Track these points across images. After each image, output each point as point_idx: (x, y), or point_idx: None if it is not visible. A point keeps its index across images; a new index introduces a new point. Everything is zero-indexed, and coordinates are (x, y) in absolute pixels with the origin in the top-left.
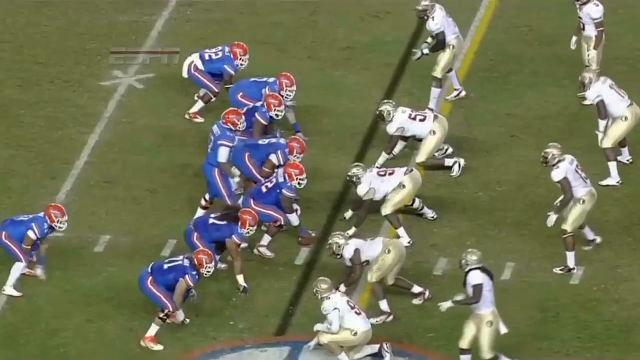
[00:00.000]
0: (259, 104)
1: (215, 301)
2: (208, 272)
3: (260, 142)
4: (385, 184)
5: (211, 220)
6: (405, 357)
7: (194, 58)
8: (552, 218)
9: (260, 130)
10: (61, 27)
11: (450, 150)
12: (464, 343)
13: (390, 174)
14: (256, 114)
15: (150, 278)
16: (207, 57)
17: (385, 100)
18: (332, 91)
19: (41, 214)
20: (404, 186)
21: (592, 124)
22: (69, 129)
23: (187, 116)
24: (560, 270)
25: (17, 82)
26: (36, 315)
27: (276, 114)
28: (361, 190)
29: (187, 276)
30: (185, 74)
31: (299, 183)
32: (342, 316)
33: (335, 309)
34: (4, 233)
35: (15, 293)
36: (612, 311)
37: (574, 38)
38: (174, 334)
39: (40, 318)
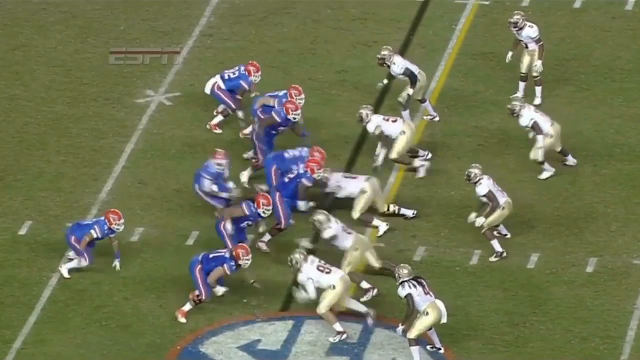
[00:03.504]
0: (278, 108)
1: (230, 282)
2: (245, 263)
3: (286, 155)
4: (350, 185)
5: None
6: (388, 329)
7: (217, 79)
8: (474, 218)
9: (267, 124)
10: (103, 54)
11: (429, 155)
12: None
13: (353, 178)
14: (273, 112)
15: (200, 266)
16: (226, 77)
17: (364, 106)
18: (328, 107)
19: (102, 218)
20: (364, 192)
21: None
22: (109, 139)
23: (207, 126)
24: (495, 258)
25: (66, 99)
26: (82, 294)
27: (293, 117)
28: (329, 185)
29: (225, 265)
30: (207, 91)
31: (317, 176)
32: (317, 281)
33: (309, 279)
34: (73, 237)
35: (66, 274)
36: (562, 291)
37: (510, 53)
38: (198, 309)
39: (85, 296)
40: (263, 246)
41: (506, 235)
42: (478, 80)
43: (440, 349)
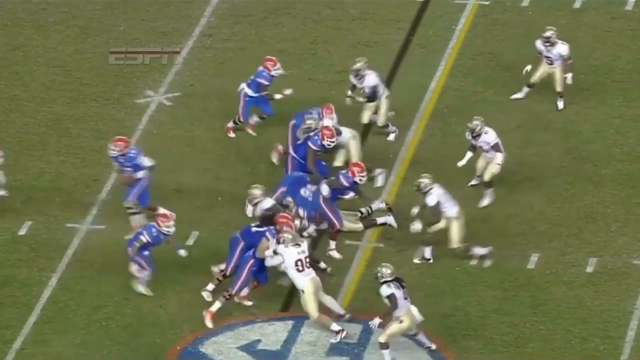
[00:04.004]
0: (312, 133)
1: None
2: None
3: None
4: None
5: (254, 229)
6: None
7: (244, 86)
8: (417, 226)
9: (312, 156)
10: (103, 54)
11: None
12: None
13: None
14: (309, 142)
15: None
16: (249, 80)
17: (310, 116)
18: None
19: (152, 223)
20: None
21: (547, 136)
22: (109, 139)
23: (229, 124)
24: (419, 260)
25: (66, 100)
26: (82, 294)
27: (328, 144)
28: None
29: (267, 233)
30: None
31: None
32: (286, 269)
33: (281, 254)
34: (128, 248)
35: (145, 292)
36: (562, 291)
37: (529, 66)
38: (200, 310)
39: (85, 296)
40: (335, 254)
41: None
42: (478, 80)
43: (431, 347)
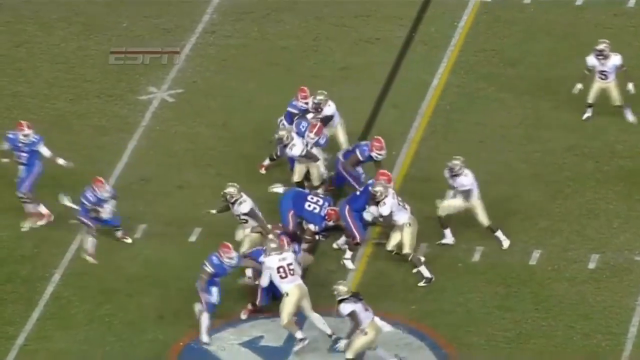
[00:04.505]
0: (363, 142)
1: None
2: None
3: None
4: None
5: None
6: (391, 326)
7: (283, 116)
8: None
9: (353, 162)
10: (106, 51)
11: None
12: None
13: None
14: (357, 150)
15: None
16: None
17: (282, 127)
18: None
19: (215, 253)
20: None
21: (549, 132)
22: (112, 135)
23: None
24: (424, 284)
25: (69, 96)
26: (85, 291)
27: (376, 155)
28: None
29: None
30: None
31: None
32: (277, 284)
33: (268, 268)
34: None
35: (204, 329)
36: (564, 287)
37: (580, 85)
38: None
39: (88, 293)
40: (350, 264)
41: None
42: (480, 77)
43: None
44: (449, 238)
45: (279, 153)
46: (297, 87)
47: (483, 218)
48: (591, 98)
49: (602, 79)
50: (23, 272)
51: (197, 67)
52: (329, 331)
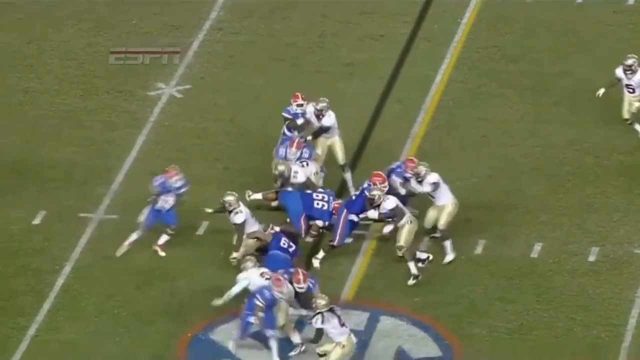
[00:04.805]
0: (395, 164)
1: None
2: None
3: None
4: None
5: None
6: (395, 317)
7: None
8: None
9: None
10: (115, 47)
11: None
12: None
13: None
14: (392, 174)
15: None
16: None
17: (280, 162)
18: (336, 99)
19: (267, 285)
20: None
21: (550, 127)
22: (121, 130)
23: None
24: (412, 280)
25: (79, 92)
26: (94, 283)
27: (412, 175)
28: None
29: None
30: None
31: (381, 190)
32: (254, 285)
33: (244, 278)
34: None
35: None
36: (565, 279)
37: (603, 90)
38: (209, 299)
39: (98, 285)
40: (316, 263)
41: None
42: (482, 73)
43: None
44: (449, 254)
45: (283, 186)
46: (303, 83)
47: (443, 221)
48: (625, 114)
49: (629, 92)
50: (34, 265)
51: (205, 64)
52: (297, 340)
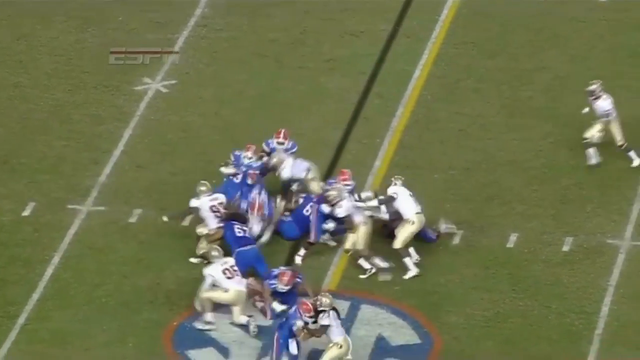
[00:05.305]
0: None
1: None
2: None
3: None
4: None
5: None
6: (375, 306)
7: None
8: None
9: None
10: (103, 43)
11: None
12: None
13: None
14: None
15: None
16: None
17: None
18: (318, 94)
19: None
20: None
21: (526, 121)
22: (108, 124)
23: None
24: (366, 275)
25: (68, 87)
26: (83, 273)
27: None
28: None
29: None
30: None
31: (339, 190)
32: (217, 281)
33: (209, 275)
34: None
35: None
36: (540, 269)
37: (587, 109)
38: (195, 287)
39: (86, 274)
40: (299, 260)
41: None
42: (460, 68)
43: None
44: (412, 270)
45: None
46: (285, 78)
47: (398, 240)
48: (616, 139)
49: (605, 118)
50: (24, 255)
51: (190, 59)
52: (245, 320)
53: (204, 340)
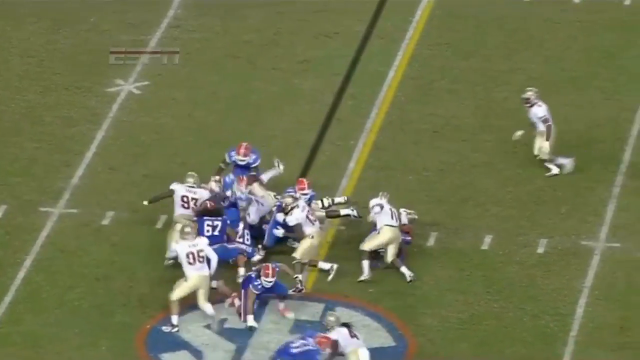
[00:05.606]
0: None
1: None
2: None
3: None
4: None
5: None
6: (349, 308)
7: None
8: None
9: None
10: (74, 44)
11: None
12: None
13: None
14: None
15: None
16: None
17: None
18: (292, 95)
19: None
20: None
21: (500, 122)
22: (80, 126)
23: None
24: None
25: (39, 88)
26: (55, 275)
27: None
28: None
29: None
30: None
31: (294, 198)
32: (180, 260)
33: (174, 250)
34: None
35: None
36: (514, 270)
37: (520, 132)
38: (168, 290)
39: (58, 277)
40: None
41: (330, 268)
42: (434, 69)
43: None
44: (366, 272)
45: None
46: (258, 80)
47: (390, 255)
48: (534, 150)
49: (535, 128)
50: None
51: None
52: (215, 324)
53: (177, 343)
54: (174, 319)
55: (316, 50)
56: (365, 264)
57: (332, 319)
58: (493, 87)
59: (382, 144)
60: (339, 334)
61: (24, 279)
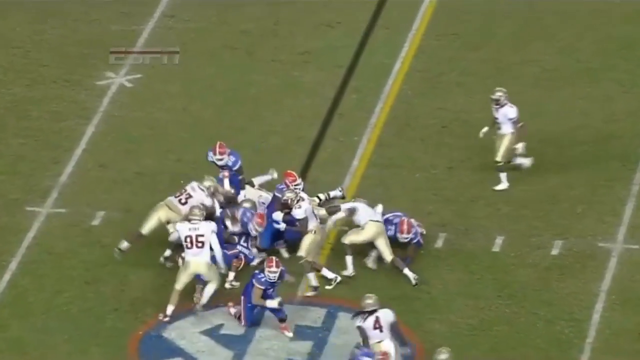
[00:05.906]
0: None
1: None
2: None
3: None
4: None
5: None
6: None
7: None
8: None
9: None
10: (62, 35)
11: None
12: None
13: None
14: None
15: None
16: None
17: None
18: (292, 89)
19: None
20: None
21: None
22: (69, 121)
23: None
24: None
25: (25, 82)
26: (42, 278)
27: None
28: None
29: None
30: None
31: (294, 191)
32: (178, 239)
33: (177, 229)
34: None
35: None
36: (527, 273)
37: (486, 128)
38: (162, 295)
39: (46, 281)
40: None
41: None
42: (442, 61)
43: None
44: (350, 268)
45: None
46: (257, 71)
47: (386, 254)
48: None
49: (498, 129)
50: None
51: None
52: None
53: (171, 350)
54: (169, 308)
55: (318, 41)
56: (349, 259)
57: (370, 301)
58: (504, 79)
59: (387, 140)
60: (363, 324)
61: (9, 282)
